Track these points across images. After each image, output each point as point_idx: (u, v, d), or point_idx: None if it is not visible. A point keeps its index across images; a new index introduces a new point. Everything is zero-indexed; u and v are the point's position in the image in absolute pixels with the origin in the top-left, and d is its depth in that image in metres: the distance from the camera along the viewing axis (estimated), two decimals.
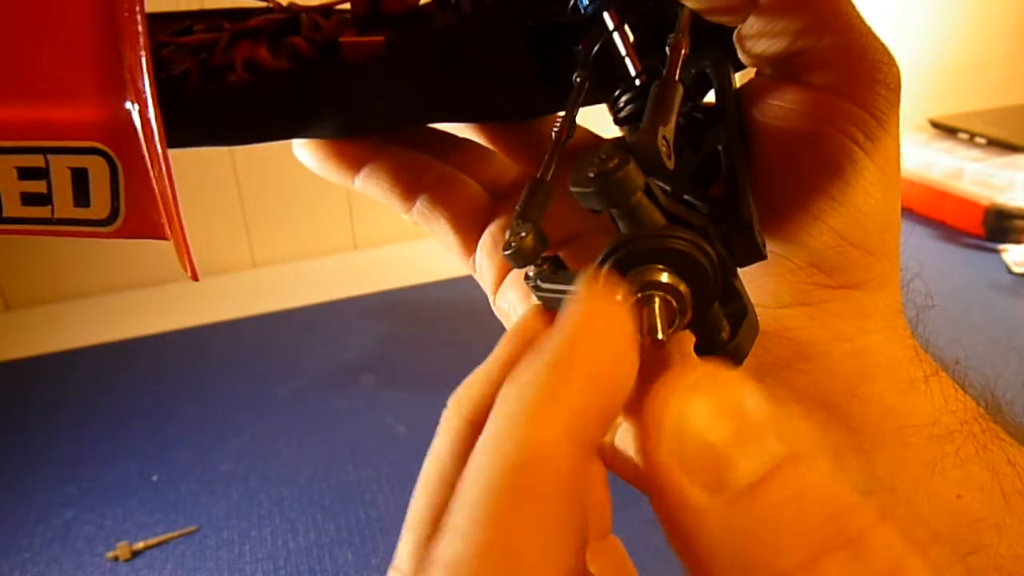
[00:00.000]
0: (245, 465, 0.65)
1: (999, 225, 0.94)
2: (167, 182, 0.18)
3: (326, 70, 0.23)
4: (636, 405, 0.19)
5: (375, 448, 0.66)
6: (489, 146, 0.27)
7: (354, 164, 0.25)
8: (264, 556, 0.55)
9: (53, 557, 0.56)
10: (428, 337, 0.83)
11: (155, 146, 0.18)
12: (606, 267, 0.16)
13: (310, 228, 1.02)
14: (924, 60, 1.26)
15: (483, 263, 0.24)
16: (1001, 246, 0.94)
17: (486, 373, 0.17)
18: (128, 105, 0.18)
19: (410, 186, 0.25)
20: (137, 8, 0.17)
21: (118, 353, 0.82)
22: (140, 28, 0.17)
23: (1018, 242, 0.94)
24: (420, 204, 0.25)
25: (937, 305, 0.23)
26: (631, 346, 0.13)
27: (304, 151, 0.25)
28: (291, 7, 0.25)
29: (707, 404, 0.13)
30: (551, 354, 0.13)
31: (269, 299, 0.91)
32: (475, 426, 0.16)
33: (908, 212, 1.06)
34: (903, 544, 0.11)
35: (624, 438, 0.21)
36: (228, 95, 0.22)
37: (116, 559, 0.55)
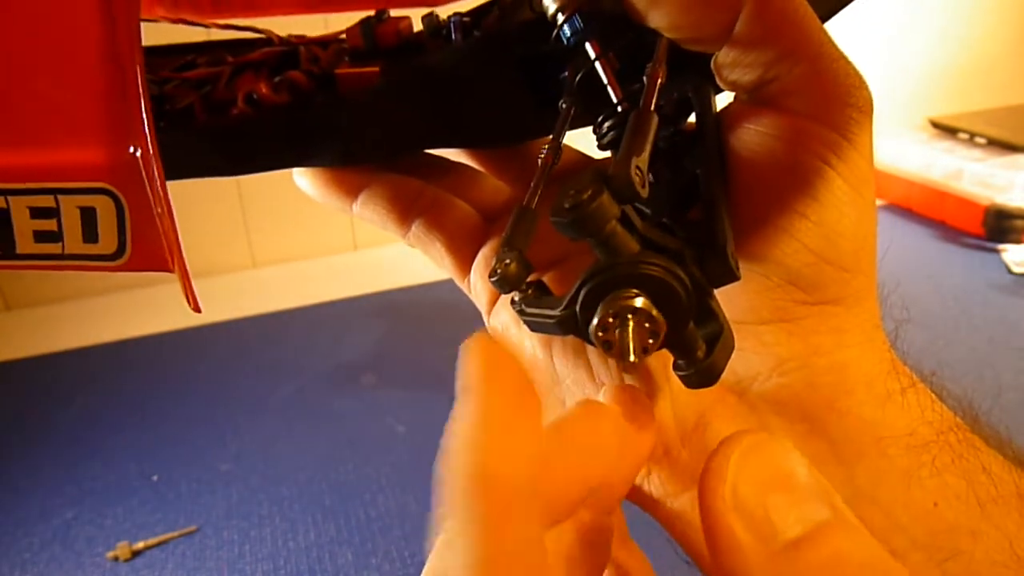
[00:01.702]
0: (245, 465, 0.65)
1: (999, 225, 0.94)
2: (169, 220, 0.20)
3: (324, 102, 0.24)
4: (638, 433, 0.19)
5: (375, 448, 0.66)
6: (481, 169, 0.27)
7: (351, 191, 0.25)
8: (264, 556, 0.56)
9: (53, 557, 0.56)
10: (428, 337, 0.83)
11: (157, 187, 0.19)
12: (581, 296, 0.17)
13: (310, 228, 1.02)
14: (924, 60, 1.26)
15: (477, 284, 0.25)
16: (1001, 246, 0.94)
17: None
18: (132, 148, 0.19)
19: (405, 211, 0.25)
20: (136, 60, 0.18)
21: (118, 353, 0.82)
22: (140, 79, 0.18)
23: (1018, 242, 0.94)
24: (416, 228, 0.25)
25: (936, 304, 0.23)
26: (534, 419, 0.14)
27: (303, 179, 0.26)
28: (290, 39, 0.26)
29: (763, 465, 0.14)
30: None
31: (269, 299, 0.91)
32: None
33: (908, 212, 1.06)
34: None
35: (646, 481, 0.22)
36: (231, 129, 0.23)
37: (116, 559, 0.55)
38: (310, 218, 1.01)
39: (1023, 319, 0.81)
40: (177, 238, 0.20)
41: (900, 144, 1.11)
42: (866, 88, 0.19)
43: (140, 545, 0.56)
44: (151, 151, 0.19)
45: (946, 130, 1.15)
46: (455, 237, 0.25)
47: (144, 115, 0.19)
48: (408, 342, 0.83)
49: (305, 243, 1.03)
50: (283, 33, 0.27)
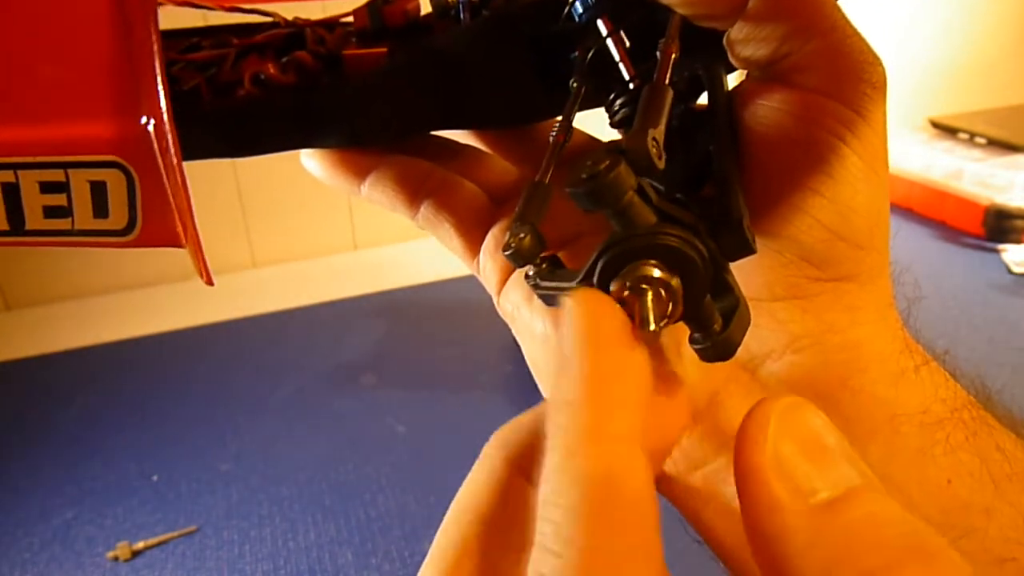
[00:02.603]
0: (245, 465, 0.65)
1: (999, 225, 0.94)
2: (183, 193, 0.19)
3: (331, 83, 0.23)
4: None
5: (375, 448, 0.66)
6: (489, 151, 0.27)
7: (359, 172, 0.25)
8: (264, 556, 0.56)
9: (53, 557, 0.56)
10: (428, 337, 0.83)
11: (171, 159, 0.19)
12: (599, 267, 0.17)
13: (310, 228, 1.02)
14: (924, 61, 1.26)
15: (487, 265, 0.25)
16: (1001, 246, 0.94)
17: (534, 422, 0.17)
18: (143, 120, 0.19)
19: (414, 192, 0.25)
20: (152, 27, 0.18)
21: (118, 353, 0.82)
22: (155, 47, 0.18)
23: (1018, 242, 0.94)
24: (424, 209, 0.25)
25: (936, 304, 0.23)
26: (634, 343, 0.15)
27: (311, 161, 0.26)
28: (296, 22, 0.26)
29: (800, 428, 0.15)
30: (579, 374, 0.14)
31: (269, 299, 0.91)
32: (515, 467, 0.16)
33: (908, 212, 1.06)
34: (972, 570, 0.13)
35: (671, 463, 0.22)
36: (238, 110, 0.23)
37: (116, 559, 0.55)
38: (310, 218, 1.01)
39: (1023, 319, 0.81)
40: (191, 209, 0.20)
41: (900, 144, 1.11)
42: (880, 65, 0.19)
43: (140, 545, 0.56)
44: (166, 121, 0.19)
45: (946, 130, 1.15)
46: (464, 218, 0.25)
47: (159, 85, 0.18)
48: (408, 342, 0.83)
49: (305, 243, 1.03)
50: (289, 17, 0.27)
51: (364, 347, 0.81)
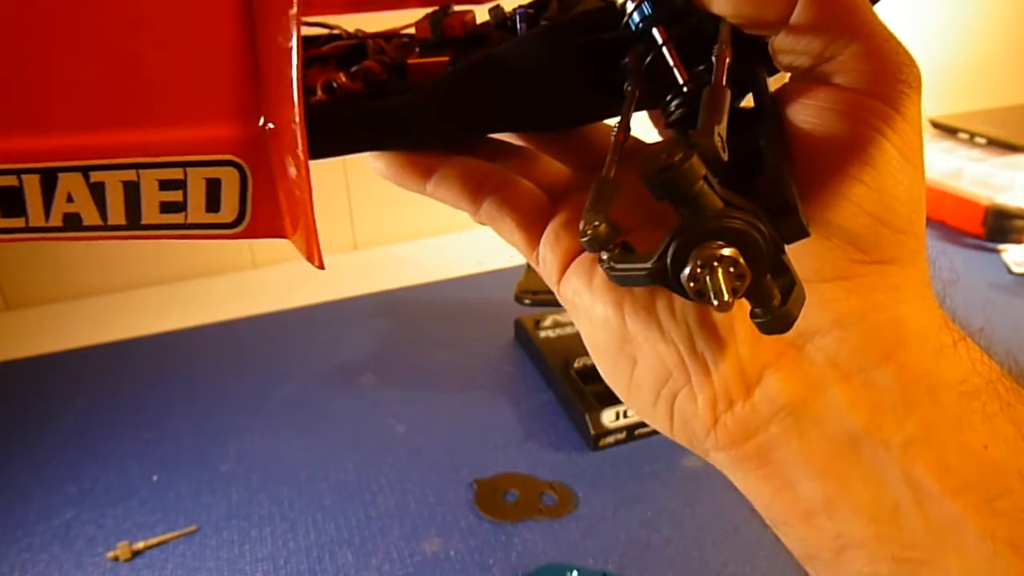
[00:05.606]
0: (245, 465, 0.65)
1: (999, 225, 0.94)
2: (307, 188, 0.21)
3: (397, 90, 0.25)
4: None
5: (375, 448, 0.66)
6: (541, 151, 0.30)
7: (424, 173, 0.27)
8: (264, 556, 0.56)
9: (53, 557, 0.56)
10: (428, 337, 0.83)
11: (299, 157, 0.20)
12: (672, 248, 0.18)
13: None
14: (925, 60, 1.26)
15: (546, 255, 0.27)
16: (1001, 246, 0.94)
17: None
18: (261, 122, 0.21)
19: (476, 190, 0.27)
20: (293, 38, 0.20)
21: (118, 353, 0.82)
22: (294, 57, 0.20)
23: (1018, 242, 0.94)
24: (487, 206, 0.27)
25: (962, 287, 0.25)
26: None
27: (379, 163, 0.28)
28: (357, 34, 0.28)
29: None
30: None
31: (269, 299, 0.91)
32: None
33: None
34: None
35: (714, 431, 0.24)
36: (312, 116, 0.25)
37: (116, 559, 0.55)
38: None
39: (1023, 319, 0.81)
40: (311, 202, 0.21)
41: None
42: (915, 65, 0.22)
43: (140, 545, 0.56)
44: (297, 124, 0.20)
45: (946, 130, 1.15)
46: (524, 213, 0.27)
47: (295, 91, 0.20)
48: (408, 342, 0.83)
49: None
50: (350, 29, 0.29)
51: (364, 347, 0.81)
